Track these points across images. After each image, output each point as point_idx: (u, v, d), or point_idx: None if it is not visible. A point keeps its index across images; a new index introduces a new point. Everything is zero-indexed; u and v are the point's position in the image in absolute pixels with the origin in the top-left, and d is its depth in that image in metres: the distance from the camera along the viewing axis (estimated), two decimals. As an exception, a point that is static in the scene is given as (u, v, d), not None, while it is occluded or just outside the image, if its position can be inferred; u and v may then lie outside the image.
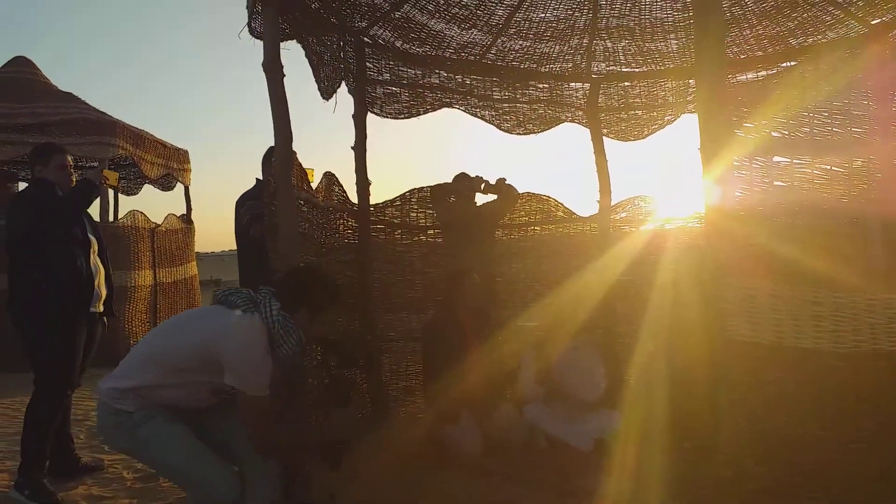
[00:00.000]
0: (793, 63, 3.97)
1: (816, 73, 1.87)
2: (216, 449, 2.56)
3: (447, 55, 4.85)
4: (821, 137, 1.91)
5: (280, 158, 3.22)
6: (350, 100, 4.56)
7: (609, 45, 4.80)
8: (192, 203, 9.21)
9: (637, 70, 4.98)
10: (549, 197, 5.22)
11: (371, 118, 4.67)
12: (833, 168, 1.90)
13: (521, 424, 4.03)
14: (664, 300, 4.33)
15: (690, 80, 4.72)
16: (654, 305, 4.51)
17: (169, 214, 8.71)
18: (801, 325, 1.83)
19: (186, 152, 9.01)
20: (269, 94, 3.19)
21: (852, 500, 1.96)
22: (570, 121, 5.22)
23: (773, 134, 1.90)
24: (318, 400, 3.28)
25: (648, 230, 5.05)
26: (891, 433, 1.88)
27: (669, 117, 5.02)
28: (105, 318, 3.86)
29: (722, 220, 1.86)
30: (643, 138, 5.12)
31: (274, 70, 3.19)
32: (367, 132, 4.58)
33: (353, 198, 4.59)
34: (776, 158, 1.90)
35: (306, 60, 3.78)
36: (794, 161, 1.90)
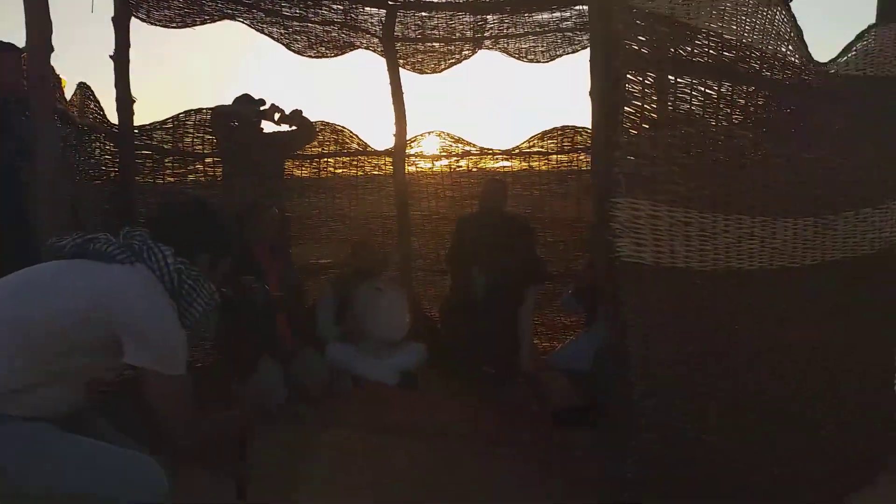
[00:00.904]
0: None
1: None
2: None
3: (230, -43, 4.24)
4: (719, 63, 1.94)
5: (36, 56, 2.61)
6: (112, -1, 3.81)
7: (409, -30, 4.57)
8: None
9: (435, 0, 4.82)
10: (343, 127, 4.95)
11: (139, 25, 3.98)
12: (725, 93, 1.95)
13: (324, 366, 3.82)
14: (461, 234, 4.38)
15: (488, 16, 4.71)
16: (450, 239, 4.56)
17: None
18: (675, 245, 1.87)
19: None
20: None
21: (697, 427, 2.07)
22: (366, 48, 4.93)
23: (672, 50, 1.88)
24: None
25: (443, 165, 5.06)
26: (741, 354, 2.03)
27: (467, 52, 4.99)
28: None
29: (611, 135, 1.82)
30: (440, 72, 5.06)
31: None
32: (132, 40, 3.89)
33: (113, 117, 3.90)
34: (671, 77, 1.89)
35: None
36: (693, 81, 1.90)
